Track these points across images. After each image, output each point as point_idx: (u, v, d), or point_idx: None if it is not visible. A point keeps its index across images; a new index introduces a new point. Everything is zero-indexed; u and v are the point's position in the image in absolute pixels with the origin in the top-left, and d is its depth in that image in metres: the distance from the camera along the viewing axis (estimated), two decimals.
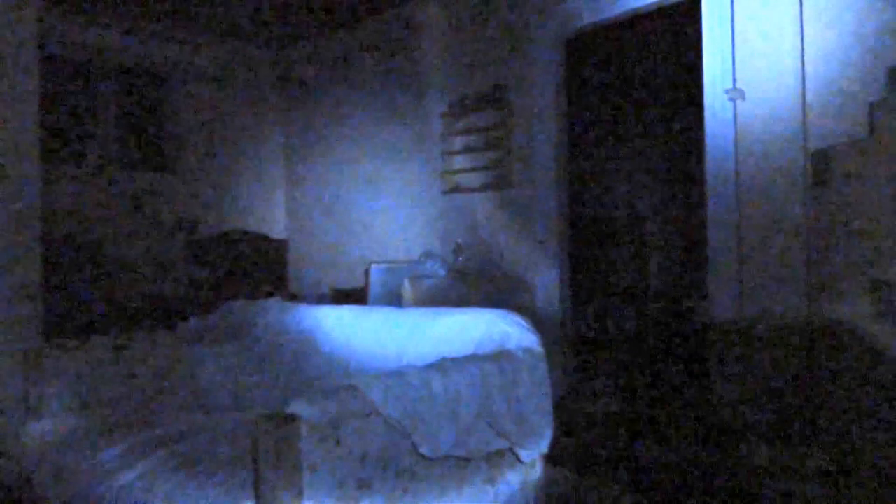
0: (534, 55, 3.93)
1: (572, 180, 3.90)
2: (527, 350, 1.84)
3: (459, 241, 4.32)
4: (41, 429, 2.04)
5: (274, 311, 2.66)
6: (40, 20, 2.19)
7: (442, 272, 3.87)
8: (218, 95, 5.62)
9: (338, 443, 1.32)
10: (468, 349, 1.92)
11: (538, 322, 2.14)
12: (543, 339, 1.93)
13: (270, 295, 3.77)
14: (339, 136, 5.41)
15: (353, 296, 4.38)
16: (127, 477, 1.61)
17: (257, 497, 1.26)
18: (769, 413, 2.77)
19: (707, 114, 3.13)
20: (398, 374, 1.52)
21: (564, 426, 3.22)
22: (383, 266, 4.11)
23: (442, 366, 1.62)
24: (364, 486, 1.37)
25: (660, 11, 3.47)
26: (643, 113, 3.66)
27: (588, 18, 3.67)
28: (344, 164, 5.36)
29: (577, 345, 3.89)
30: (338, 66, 5.43)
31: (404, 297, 3.57)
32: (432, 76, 4.58)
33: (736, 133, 3.02)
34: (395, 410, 1.43)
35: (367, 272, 4.10)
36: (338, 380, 2.10)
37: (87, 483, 1.68)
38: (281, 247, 5.69)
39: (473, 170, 4.24)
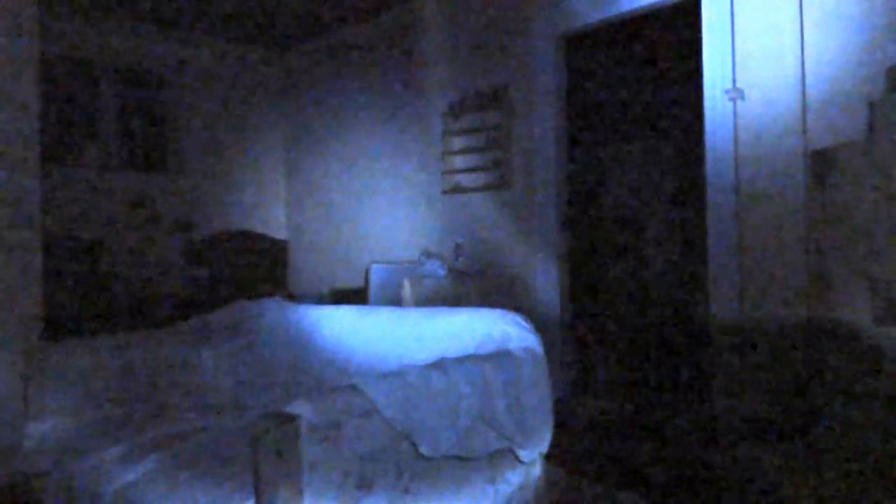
0: (534, 55, 3.93)
1: (572, 180, 3.90)
2: (527, 350, 1.84)
3: (459, 241, 4.32)
4: (41, 429, 2.04)
5: (274, 311, 2.66)
6: (40, 20, 2.18)
7: (442, 272, 3.86)
8: (218, 95, 5.61)
9: (338, 443, 1.32)
10: (468, 349, 1.92)
11: (538, 322, 2.14)
12: (543, 339, 1.93)
13: (270, 295, 3.77)
14: (340, 137, 5.41)
15: (353, 296, 4.38)
16: (127, 477, 1.61)
17: (257, 497, 1.26)
18: (769, 413, 2.77)
19: (707, 114, 3.13)
20: (398, 374, 1.52)
21: (564, 426, 3.22)
22: (383, 266, 4.11)
23: (442, 366, 1.61)
24: (364, 486, 1.37)
25: (660, 11, 3.47)
26: (643, 113, 3.66)
27: (588, 18, 3.67)
28: (344, 165, 5.36)
29: (576, 345, 3.88)
30: (338, 66, 5.43)
31: (404, 297, 3.57)
32: (432, 76, 4.58)
33: (736, 133, 3.02)
34: (395, 410, 1.43)
35: (367, 272, 4.10)
36: (338, 380, 2.11)
37: (87, 483, 1.68)
38: (281, 247, 5.70)
39: (473, 170, 4.24)
